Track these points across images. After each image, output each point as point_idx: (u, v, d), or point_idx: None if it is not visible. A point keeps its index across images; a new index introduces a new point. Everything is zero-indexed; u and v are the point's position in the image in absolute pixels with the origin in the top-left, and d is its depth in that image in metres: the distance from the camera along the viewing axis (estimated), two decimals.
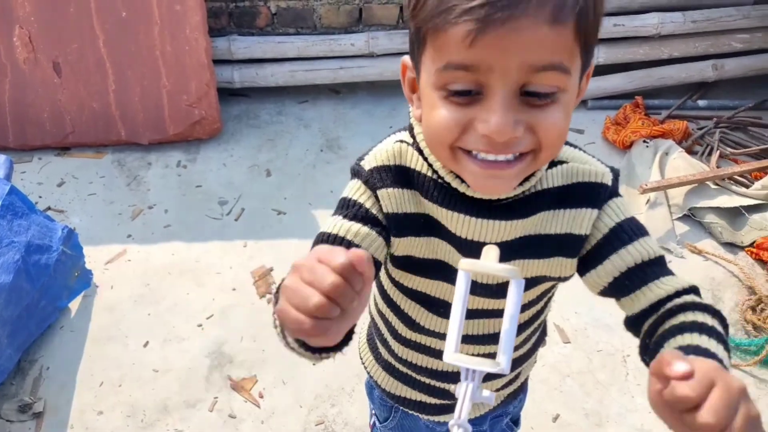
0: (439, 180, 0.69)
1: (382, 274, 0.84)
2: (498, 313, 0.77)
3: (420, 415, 0.98)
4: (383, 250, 0.73)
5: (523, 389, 1.03)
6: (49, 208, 2.19)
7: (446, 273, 0.75)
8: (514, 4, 0.52)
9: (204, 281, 2.00)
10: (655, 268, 0.71)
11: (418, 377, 0.92)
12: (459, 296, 0.58)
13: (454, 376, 0.89)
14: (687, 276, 2.06)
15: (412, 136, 0.71)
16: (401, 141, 0.71)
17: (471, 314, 0.79)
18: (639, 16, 2.59)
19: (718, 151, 2.41)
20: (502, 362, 0.56)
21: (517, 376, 0.96)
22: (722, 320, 0.68)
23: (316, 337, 0.49)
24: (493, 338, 0.82)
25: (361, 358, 1.04)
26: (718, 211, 2.19)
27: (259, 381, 1.74)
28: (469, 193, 0.68)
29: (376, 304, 0.92)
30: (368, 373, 1.02)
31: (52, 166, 2.38)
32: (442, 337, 0.83)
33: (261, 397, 1.71)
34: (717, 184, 2.27)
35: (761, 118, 2.61)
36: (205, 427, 1.64)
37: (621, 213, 0.72)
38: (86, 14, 2.28)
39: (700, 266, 2.09)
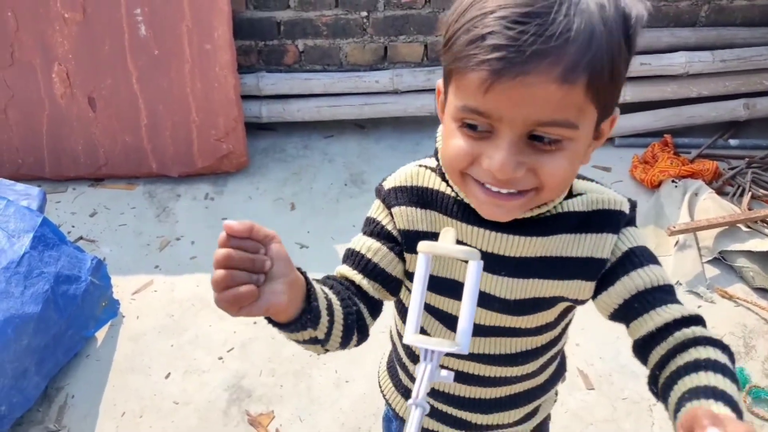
0: (458, 197, 0.73)
1: (403, 292, 0.84)
2: (516, 332, 0.80)
3: None
4: (398, 266, 0.78)
5: (543, 430, 1.01)
6: (81, 238, 2.25)
7: (457, 291, 0.73)
8: (528, 61, 0.54)
9: (226, 314, 2.01)
10: (664, 294, 0.73)
11: (435, 404, 0.92)
12: (418, 278, 0.61)
13: (469, 404, 0.89)
14: (718, 323, 2.01)
15: (437, 159, 0.75)
16: (421, 165, 0.77)
17: (488, 332, 0.80)
18: (666, 55, 2.58)
19: (750, 192, 2.36)
20: (461, 342, 0.58)
21: (536, 410, 0.95)
22: (731, 355, 0.69)
23: (237, 304, 0.57)
24: (511, 359, 0.83)
25: (381, 387, 1.05)
26: (749, 254, 2.13)
27: (276, 417, 1.74)
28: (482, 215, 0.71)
29: (396, 326, 0.94)
30: (387, 402, 1.03)
31: (86, 197, 2.45)
32: (456, 355, 0.83)
33: None
34: (749, 227, 2.21)
35: None
36: None
37: (635, 240, 0.75)
38: (120, 52, 2.37)
39: (732, 312, 2.03)
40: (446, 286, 0.78)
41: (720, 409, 0.60)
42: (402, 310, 0.89)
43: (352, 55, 2.68)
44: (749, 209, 2.28)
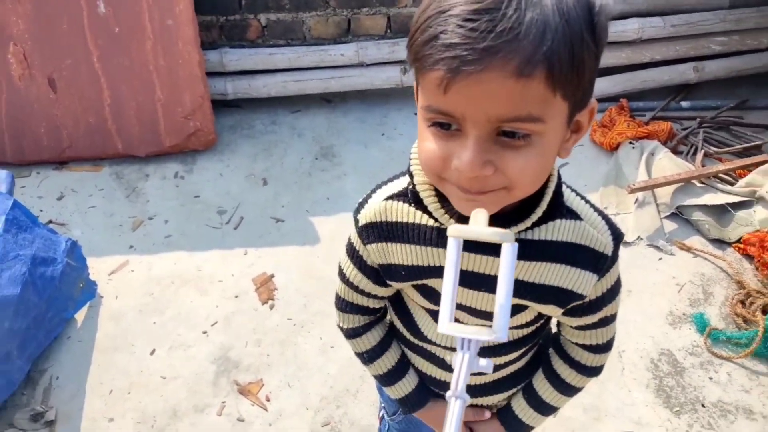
0: (436, 224, 0.73)
1: (400, 295, 0.90)
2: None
3: None
4: (386, 290, 0.86)
5: None
6: (50, 222, 2.21)
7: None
8: (481, 58, 0.54)
9: (207, 289, 2.03)
10: (600, 324, 0.85)
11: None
12: (450, 264, 0.59)
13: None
14: (678, 273, 2.13)
15: (411, 176, 0.75)
16: (389, 198, 0.76)
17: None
18: (620, 22, 2.67)
19: (703, 151, 2.50)
20: (498, 330, 0.57)
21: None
22: (587, 372, 0.90)
23: None
24: (493, 350, 0.86)
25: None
26: (704, 208, 2.26)
27: (265, 385, 1.77)
28: (460, 210, 0.70)
29: (391, 308, 0.97)
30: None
31: (51, 180, 2.40)
32: (444, 347, 0.87)
33: (268, 400, 1.74)
34: (703, 183, 2.35)
35: (743, 118, 2.71)
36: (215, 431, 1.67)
37: (611, 280, 0.80)
38: (79, 31, 2.31)
39: (690, 263, 2.16)
40: (432, 295, 0.81)
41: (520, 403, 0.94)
42: (398, 310, 0.92)
43: (315, 29, 2.68)
44: (703, 166, 2.41)
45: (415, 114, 2.74)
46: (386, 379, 0.95)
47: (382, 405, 1.13)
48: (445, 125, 0.60)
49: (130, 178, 2.43)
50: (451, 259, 0.59)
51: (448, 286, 0.59)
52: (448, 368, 0.90)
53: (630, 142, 2.52)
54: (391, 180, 0.79)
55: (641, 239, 2.22)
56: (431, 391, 0.96)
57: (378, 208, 0.77)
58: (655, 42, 2.74)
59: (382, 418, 1.15)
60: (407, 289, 0.84)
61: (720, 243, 2.21)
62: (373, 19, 2.67)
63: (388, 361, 0.93)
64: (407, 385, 0.94)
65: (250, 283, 2.05)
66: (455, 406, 0.54)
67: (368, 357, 0.93)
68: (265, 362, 1.83)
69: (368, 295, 0.87)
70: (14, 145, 2.42)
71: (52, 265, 1.82)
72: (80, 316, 1.93)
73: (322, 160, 2.54)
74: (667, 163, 2.39)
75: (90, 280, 1.96)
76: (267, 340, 1.89)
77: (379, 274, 0.82)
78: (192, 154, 2.54)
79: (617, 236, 0.76)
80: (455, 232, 0.59)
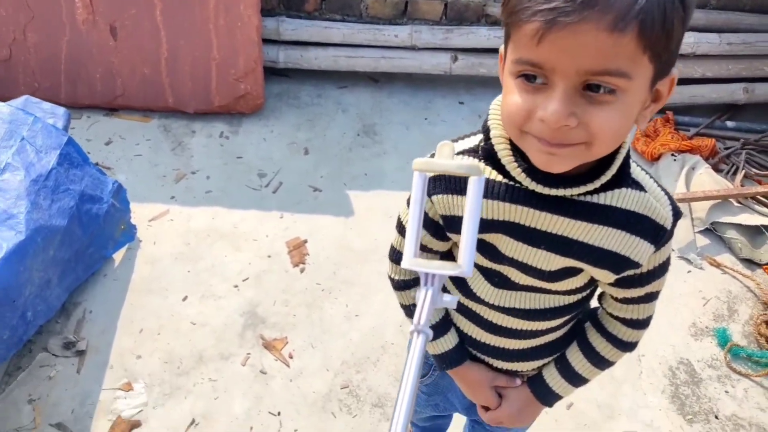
0: (504, 180, 0.76)
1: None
2: (548, 291, 0.86)
3: None
4: (443, 243, 0.89)
5: None
6: (97, 164, 2.28)
7: (498, 257, 0.83)
8: (578, 10, 0.57)
9: (241, 246, 2.08)
10: (646, 299, 0.87)
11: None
12: (415, 200, 0.59)
13: (494, 351, 0.96)
14: (706, 287, 2.13)
15: (487, 138, 0.77)
16: (461, 153, 0.80)
17: (521, 288, 0.86)
18: None
19: (743, 171, 2.49)
20: (463, 264, 0.57)
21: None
22: (622, 345, 0.93)
23: None
24: (539, 314, 0.89)
25: None
26: (739, 227, 2.26)
27: (289, 342, 1.82)
28: (538, 190, 0.73)
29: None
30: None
31: (101, 125, 2.47)
32: (489, 306, 0.90)
33: (291, 357, 1.79)
34: (740, 202, 2.34)
35: None
36: (238, 380, 1.72)
37: (665, 254, 0.82)
38: None
39: (718, 279, 2.16)
40: (489, 250, 0.84)
41: (552, 372, 0.97)
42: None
43: (372, 8, 2.71)
44: (741, 186, 2.40)
45: (460, 103, 2.78)
46: None
47: None
48: (532, 78, 0.63)
49: (177, 132, 2.49)
50: (416, 193, 0.59)
51: (413, 221, 0.59)
52: (492, 329, 0.93)
53: (672, 154, 2.51)
54: (461, 138, 0.82)
55: (673, 250, 2.22)
56: (469, 351, 1.00)
57: None
58: (708, 58, 2.73)
59: None
60: None
61: (750, 263, 2.21)
62: (430, 4, 2.69)
63: (433, 316, 0.96)
64: (448, 341, 0.97)
65: (283, 246, 2.10)
66: (417, 340, 0.55)
67: (414, 310, 0.96)
68: (291, 322, 1.88)
69: (423, 248, 0.90)
70: (69, 87, 2.49)
71: (98, 203, 1.89)
72: (118, 256, 1.99)
73: (363, 137, 2.57)
74: (707, 179, 2.38)
75: (131, 224, 2.02)
76: (295, 301, 1.94)
77: (438, 227, 0.85)
78: (238, 117, 2.59)
79: (677, 212, 0.79)
80: (420, 165, 0.60)
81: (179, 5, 2.39)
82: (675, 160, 2.49)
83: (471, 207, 0.58)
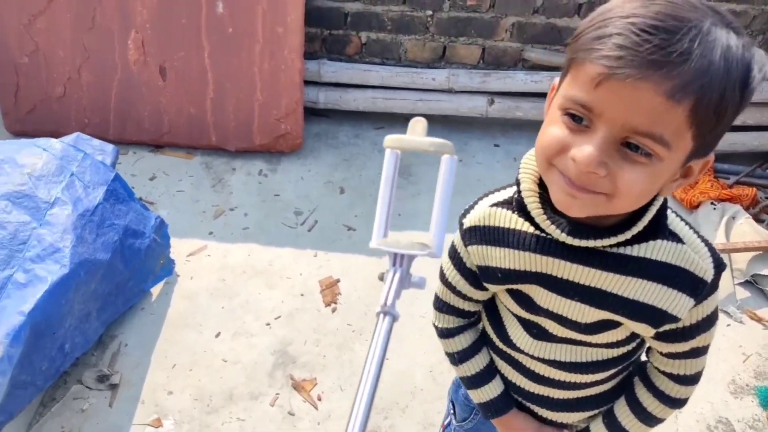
0: (536, 231, 0.77)
1: (494, 300, 0.95)
2: (587, 344, 0.85)
3: None
4: (480, 292, 0.91)
5: None
6: (140, 199, 2.36)
7: (534, 308, 0.84)
8: (643, 67, 0.58)
9: (275, 283, 2.11)
10: (692, 354, 0.84)
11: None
12: (386, 178, 0.58)
13: (538, 399, 0.96)
14: (745, 342, 2.07)
15: (519, 191, 0.79)
16: (494, 204, 0.82)
17: (560, 340, 0.86)
18: None
19: None
20: (432, 245, 0.56)
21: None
22: (671, 403, 0.90)
23: None
24: (581, 367, 0.88)
25: None
26: None
27: (318, 384, 1.83)
28: (568, 241, 0.74)
29: (484, 313, 1.01)
30: None
31: (146, 161, 2.57)
32: (530, 356, 0.90)
33: (319, 399, 1.79)
34: None
35: None
36: (266, 420, 1.73)
37: (709, 308, 0.79)
38: (196, 27, 2.48)
39: (759, 334, 2.09)
40: (523, 299, 0.85)
41: (599, 427, 0.95)
42: (491, 316, 0.96)
43: (411, 52, 2.77)
44: None
45: (496, 145, 2.79)
46: (473, 382, 0.99)
47: (451, 411, 1.16)
48: (578, 118, 0.64)
49: (218, 170, 2.57)
50: (387, 171, 0.58)
51: (383, 201, 0.58)
52: (535, 378, 0.93)
53: (711, 203, 2.47)
54: (498, 189, 0.84)
55: None
56: (514, 399, 0.99)
57: (483, 213, 0.82)
58: (750, 105, 2.68)
59: (447, 425, 1.18)
60: (501, 294, 0.89)
61: None
62: (468, 48, 2.74)
63: (477, 364, 0.98)
64: (493, 389, 0.98)
65: (316, 284, 2.12)
66: (384, 321, 0.54)
67: (458, 358, 0.98)
68: (321, 362, 1.89)
69: (465, 297, 0.92)
70: (118, 124, 2.60)
71: (141, 238, 1.95)
72: (156, 290, 2.05)
73: (399, 178, 2.60)
74: (748, 229, 2.32)
75: (170, 258, 2.08)
76: (325, 341, 1.95)
77: (476, 276, 0.87)
78: (278, 155, 2.66)
79: (719, 265, 0.77)
80: (391, 141, 0.58)
81: (227, 49, 2.49)
82: (714, 209, 2.44)
83: (443, 187, 0.57)
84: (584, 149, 0.62)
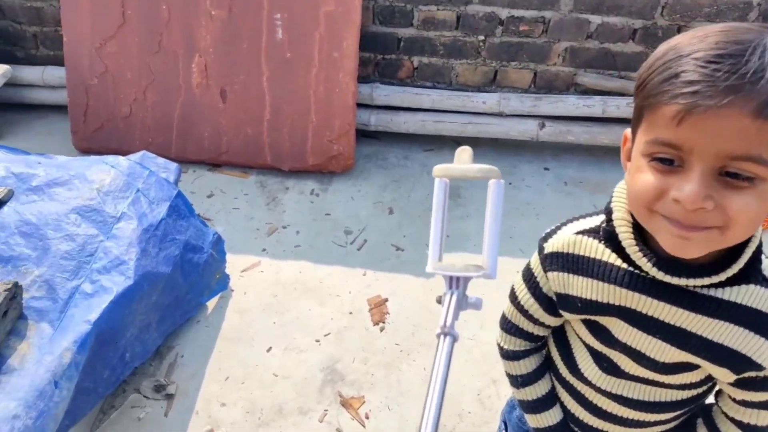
0: (624, 265, 0.76)
1: (565, 328, 0.95)
2: (659, 384, 0.84)
3: None
4: (553, 318, 0.90)
5: None
6: (199, 215, 2.45)
7: (610, 341, 0.83)
8: (721, 95, 0.57)
9: (325, 301, 2.15)
10: (764, 404, 0.81)
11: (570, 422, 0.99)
12: (437, 205, 0.59)
13: None
14: None
15: (609, 219, 0.77)
16: (580, 232, 0.81)
17: (631, 377, 0.85)
18: None
19: None
20: (487, 266, 0.57)
21: None
22: None
23: None
24: (648, 406, 0.87)
25: None
26: None
27: (366, 402, 1.85)
28: (659, 277, 0.72)
29: (552, 339, 1.00)
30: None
31: (204, 180, 2.67)
32: (596, 389, 0.89)
33: (367, 417, 1.81)
34: None
35: None
36: None
37: None
38: (256, 52, 2.58)
39: None
40: (600, 332, 0.84)
41: None
42: (559, 343, 0.95)
43: (462, 75, 2.81)
44: None
45: (545, 169, 2.79)
46: (533, 407, 0.98)
47: (503, 431, 1.16)
48: (667, 161, 0.63)
49: (272, 188, 2.65)
50: (438, 199, 0.60)
51: (436, 226, 0.60)
52: (597, 412, 0.91)
53: None
54: (583, 217, 0.84)
55: None
56: (572, 430, 0.99)
57: (567, 240, 0.81)
58: None
59: None
60: (575, 323, 0.88)
61: None
62: (519, 72, 2.75)
63: (540, 389, 0.97)
64: (552, 417, 0.97)
65: (364, 303, 2.15)
66: (444, 342, 0.55)
67: (521, 381, 0.98)
68: (369, 380, 1.91)
69: (536, 321, 0.92)
70: (180, 143, 2.72)
71: (199, 253, 2.03)
72: (211, 304, 2.12)
73: (448, 199, 2.62)
74: None
75: (225, 273, 2.15)
76: (373, 359, 1.97)
77: (552, 302, 0.87)
78: (329, 176, 2.72)
79: None
80: (439, 171, 0.60)
81: (284, 73, 2.58)
82: None
83: (493, 210, 0.59)
84: (686, 188, 0.61)
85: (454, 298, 0.57)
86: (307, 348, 2.00)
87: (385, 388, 1.89)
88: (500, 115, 2.74)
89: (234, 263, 2.24)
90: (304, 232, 2.44)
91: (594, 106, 2.65)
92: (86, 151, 2.74)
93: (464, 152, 0.59)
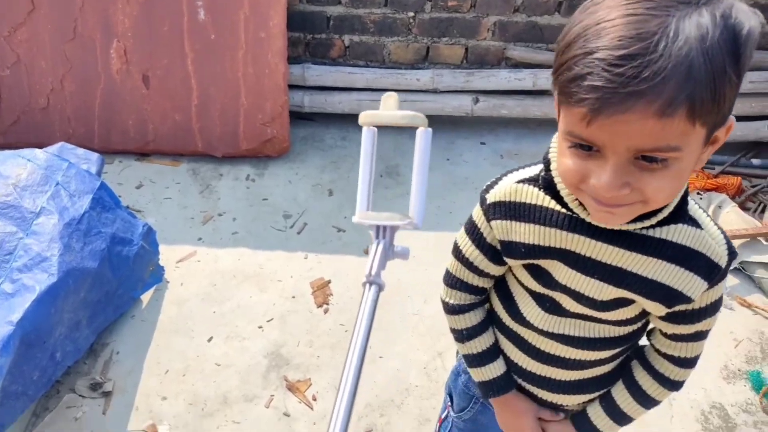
0: (563, 210, 0.79)
1: (507, 277, 0.96)
2: (598, 320, 0.87)
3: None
4: (498, 267, 0.91)
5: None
6: (128, 207, 2.34)
7: (551, 283, 0.85)
8: (623, 101, 0.57)
9: (266, 287, 2.10)
10: (694, 337, 0.87)
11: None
12: (365, 154, 0.58)
13: (540, 381, 0.96)
14: (737, 329, 2.09)
15: (547, 168, 0.80)
16: (520, 181, 0.83)
17: (572, 315, 0.87)
18: None
19: None
20: (413, 216, 0.56)
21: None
22: (669, 385, 0.92)
23: None
24: (588, 342, 0.89)
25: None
26: None
27: (313, 384, 1.82)
28: (595, 222, 0.76)
29: (497, 303, 1.00)
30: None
31: (132, 170, 2.55)
32: (538, 331, 0.91)
33: (314, 399, 1.79)
34: None
35: None
36: (261, 422, 1.72)
37: (717, 292, 0.82)
38: (178, 34, 2.48)
39: (750, 320, 2.11)
40: (541, 275, 0.85)
41: (596, 409, 0.96)
42: (500, 293, 0.97)
43: (395, 53, 2.78)
44: None
45: (482, 143, 2.80)
46: (477, 360, 0.99)
47: (448, 403, 1.16)
48: (585, 147, 0.65)
49: (205, 176, 2.56)
50: (366, 148, 0.59)
51: (364, 176, 0.58)
52: (539, 356, 0.93)
53: (698, 193, 2.49)
54: (522, 167, 0.85)
55: None
56: (515, 380, 1.00)
57: (508, 189, 0.83)
58: None
59: (444, 418, 1.18)
60: (517, 269, 0.90)
61: None
62: (451, 48, 2.75)
63: (483, 342, 0.98)
64: (496, 368, 0.98)
65: (307, 286, 2.12)
66: (370, 291, 0.55)
67: (466, 334, 0.98)
68: (314, 363, 1.88)
69: (480, 273, 0.93)
70: (103, 133, 2.59)
71: (129, 245, 1.94)
72: (146, 297, 2.03)
73: (386, 178, 2.61)
74: (734, 218, 2.35)
75: (159, 265, 2.07)
76: (318, 342, 1.94)
77: (496, 251, 0.88)
78: (264, 160, 2.65)
79: (732, 252, 0.79)
80: (366, 117, 0.59)
81: (209, 56, 2.49)
82: (701, 198, 2.47)
83: (420, 159, 0.57)
84: (602, 178, 0.64)
85: (381, 247, 0.56)
86: (249, 335, 1.95)
87: (332, 369, 1.87)
88: (434, 91, 2.74)
89: (168, 254, 2.16)
90: (240, 219, 2.37)
91: (525, 79, 2.68)
92: (2, 146, 2.57)
93: (390, 98, 0.58)
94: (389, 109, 0.58)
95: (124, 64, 2.52)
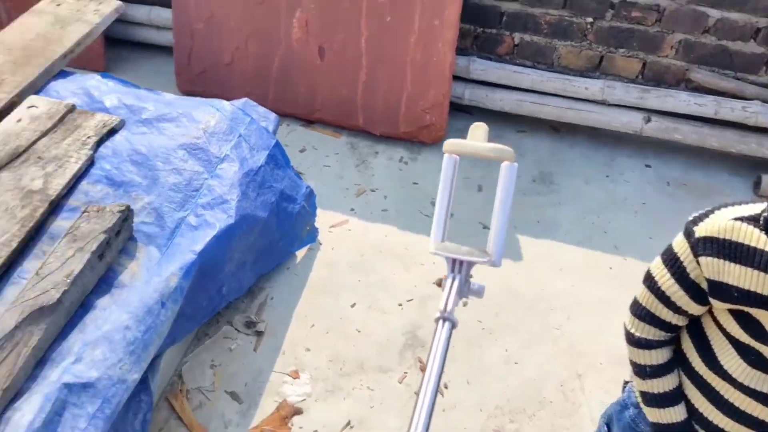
0: None
1: (705, 322, 0.90)
2: None
3: None
4: (698, 306, 0.85)
5: None
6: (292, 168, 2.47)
7: (762, 335, 0.79)
8: None
9: (410, 267, 2.14)
10: None
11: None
12: (444, 182, 0.55)
13: None
14: None
15: None
16: (738, 218, 0.77)
17: None
18: None
19: None
20: (492, 253, 0.51)
21: None
22: None
23: None
24: None
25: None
26: None
27: (445, 373, 1.83)
28: None
29: (685, 333, 0.95)
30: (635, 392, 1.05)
31: (297, 134, 2.69)
32: (736, 385, 0.85)
33: (446, 387, 1.80)
34: None
35: None
36: (393, 396, 1.76)
37: None
38: (357, 12, 2.56)
39: None
40: (752, 325, 0.80)
41: None
42: (695, 337, 0.91)
43: (565, 58, 2.73)
44: None
45: (647, 166, 2.67)
46: (656, 400, 0.94)
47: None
48: None
49: (362, 151, 2.64)
50: (446, 176, 0.55)
51: (441, 205, 0.55)
52: (731, 412, 0.87)
53: None
54: (738, 203, 0.80)
55: None
56: (695, 430, 0.94)
57: (723, 225, 0.78)
58: None
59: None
60: (721, 313, 0.84)
61: None
62: (627, 61, 2.66)
63: (666, 383, 0.93)
64: (676, 414, 0.93)
65: None
66: (443, 328, 0.51)
67: (650, 372, 0.93)
68: (449, 353, 1.89)
69: (677, 309, 0.88)
70: (276, 95, 2.74)
71: (293, 203, 2.04)
72: (300, 254, 2.14)
73: (539, 184, 2.57)
74: None
75: (315, 227, 2.17)
76: (455, 333, 1.93)
77: (699, 289, 0.83)
78: (419, 145, 2.70)
79: None
80: (450, 146, 0.54)
81: (383, 37, 2.56)
82: None
83: (503, 195, 0.54)
84: None
85: (456, 282, 0.53)
86: (390, 310, 2.00)
87: (465, 362, 1.87)
88: (603, 103, 2.65)
89: (323, 218, 2.25)
90: (391, 198, 2.43)
91: (706, 105, 2.53)
92: (189, 93, 2.79)
93: (479, 128, 0.55)
94: (477, 140, 0.54)
95: (304, 34, 2.65)
